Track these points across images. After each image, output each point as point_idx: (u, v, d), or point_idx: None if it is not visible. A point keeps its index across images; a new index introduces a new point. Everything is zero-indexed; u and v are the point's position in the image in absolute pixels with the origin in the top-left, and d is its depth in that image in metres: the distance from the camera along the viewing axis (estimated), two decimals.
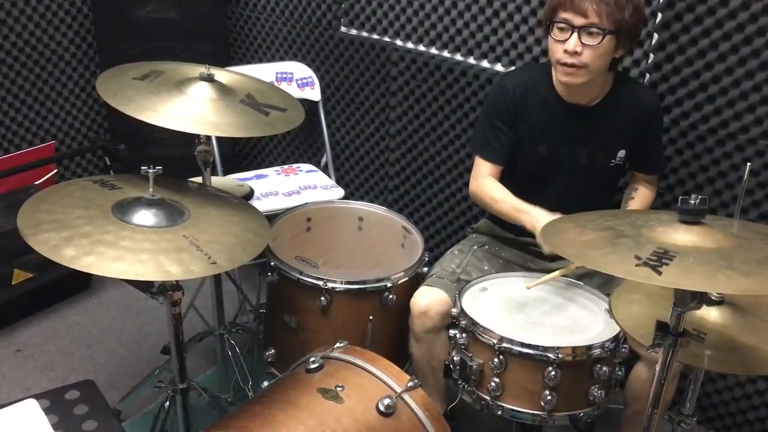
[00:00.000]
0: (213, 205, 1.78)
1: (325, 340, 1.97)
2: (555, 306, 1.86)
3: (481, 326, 1.71)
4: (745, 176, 1.32)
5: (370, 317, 1.96)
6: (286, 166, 3.10)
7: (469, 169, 2.67)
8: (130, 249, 1.50)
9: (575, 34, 1.80)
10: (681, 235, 1.13)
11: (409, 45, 2.79)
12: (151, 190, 1.65)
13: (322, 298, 1.94)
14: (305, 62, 3.08)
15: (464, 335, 1.75)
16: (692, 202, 1.14)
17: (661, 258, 1.05)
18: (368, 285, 1.96)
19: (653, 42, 2.17)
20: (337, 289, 1.94)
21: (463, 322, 1.75)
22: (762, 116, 2.02)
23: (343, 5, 2.95)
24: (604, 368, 1.67)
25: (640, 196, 2.08)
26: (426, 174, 2.88)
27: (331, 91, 3.09)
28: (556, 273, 1.87)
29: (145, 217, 1.61)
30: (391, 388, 1.64)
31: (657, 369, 1.23)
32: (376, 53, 2.86)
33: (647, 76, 2.21)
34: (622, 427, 2.02)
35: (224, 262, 1.57)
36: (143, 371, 2.40)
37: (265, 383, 1.79)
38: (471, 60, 2.62)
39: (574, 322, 1.78)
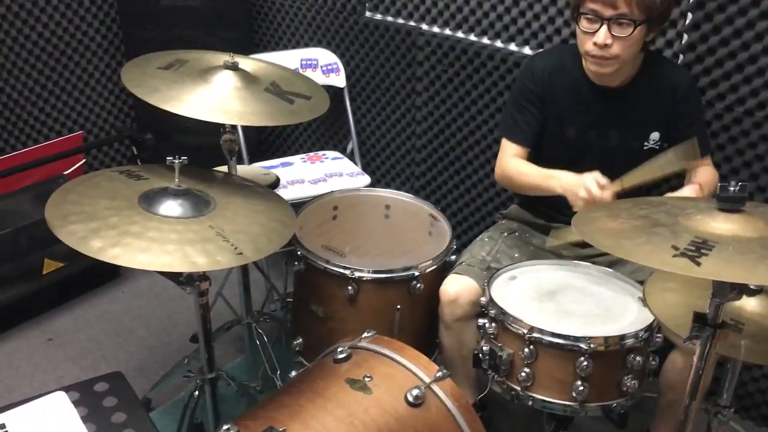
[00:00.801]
0: (239, 194, 1.77)
1: (353, 329, 1.95)
2: (586, 294, 1.82)
3: (511, 315, 1.68)
4: None
5: (398, 306, 1.94)
6: (311, 154, 3.09)
7: (496, 155, 2.64)
8: (156, 240, 1.50)
9: (605, 26, 1.75)
10: (720, 224, 1.09)
11: (435, 29, 2.75)
12: (177, 180, 1.65)
13: (350, 288, 1.92)
14: (330, 48, 3.05)
15: (493, 325, 1.72)
16: (732, 189, 1.10)
17: (699, 248, 1.01)
18: (395, 274, 1.94)
19: (687, 22, 2.10)
20: (365, 278, 1.93)
21: (492, 312, 1.72)
22: None
23: None
24: (638, 358, 1.63)
25: (702, 174, 1.95)
26: (453, 160, 2.84)
27: (356, 77, 3.06)
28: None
29: (171, 207, 1.61)
30: (420, 378, 1.62)
31: (695, 360, 1.19)
32: (402, 38, 2.82)
33: (681, 56, 2.15)
34: (656, 416, 1.98)
35: (250, 253, 1.56)
36: (173, 359, 2.41)
37: (293, 373, 1.78)
38: (498, 43, 2.57)
39: (606, 311, 1.75)
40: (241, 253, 1.54)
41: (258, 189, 1.87)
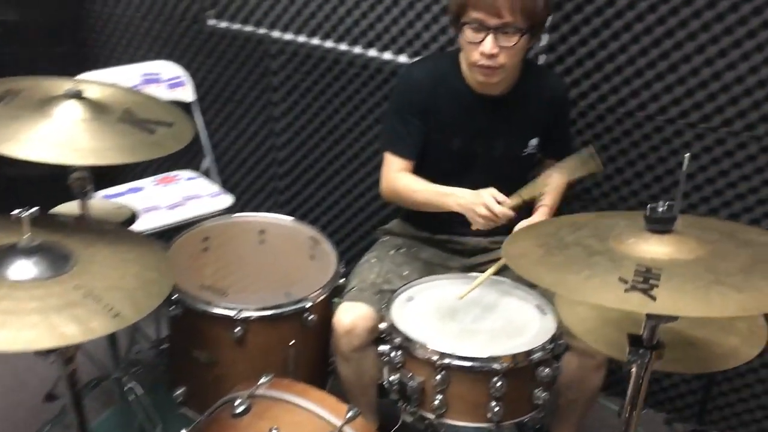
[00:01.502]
0: (102, 242, 1.55)
1: (242, 372, 1.81)
2: (485, 308, 1.79)
3: (417, 342, 1.60)
4: (684, 166, 1.30)
5: (291, 342, 1.80)
6: (162, 175, 2.84)
7: (377, 167, 2.56)
8: (12, 312, 1.26)
9: (490, 36, 1.71)
10: (654, 247, 1.07)
11: (288, 36, 2.61)
12: (27, 234, 1.40)
13: (237, 329, 1.76)
14: (174, 60, 2.82)
15: (399, 353, 1.64)
16: (660, 209, 1.08)
17: (647, 278, 0.98)
18: (286, 309, 1.80)
19: (546, 23, 2.12)
20: (252, 318, 1.77)
21: (397, 339, 1.64)
22: (688, 101, 2.03)
23: None
24: (546, 370, 1.62)
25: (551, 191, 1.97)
26: (318, 171, 2.73)
27: (205, 89, 2.85)
28: (487, 275, 1.79)
29: (24, 268, 1.36)
30: (330, 423, 1.50)
31: (631, 382, 1.17)
32: (253, 46, 2.66)
33: (542, 57, 2.17)
34: (555, 416, 2.00)
35: (129, 312, 1.35)
36: (29, 424, 2.11)
37: (184, 431, 1.60)
38: (357, 50, 2.48)
39: (509, 323, 1.72)
40: (119, 314, 1.34)
41: (123, 232, 1.66)
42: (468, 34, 1.75)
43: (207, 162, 2.86)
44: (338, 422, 1.50)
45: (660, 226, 1.10)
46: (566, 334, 1.68)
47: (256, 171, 2.90)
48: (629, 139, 2.13)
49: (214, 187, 2.72)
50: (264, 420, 1.52)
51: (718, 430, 2.32)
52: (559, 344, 1.66)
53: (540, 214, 1.90)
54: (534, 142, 1.95)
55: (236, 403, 1.54)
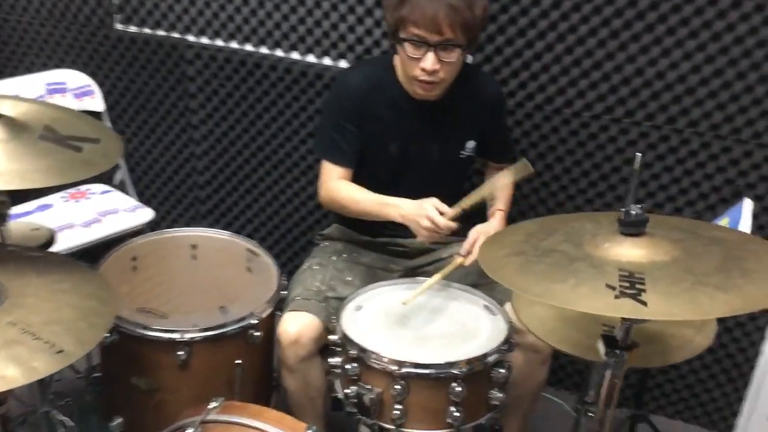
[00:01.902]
0: (30, 270, 1.44)
1: (187, 397, 1.74)
2: (434, 311, 1.78)
3: (374, 353, 1.57)
4: (636, 166, 1.33)
5: (238, 361, 1.73)
6: (73, 190, 2.66)
7: (304, 172, 2.51)
8: None
9: (431, 52, 1.70)
10: (630, 250, 1.09)
11: (205, 40, 2.51)
12: None
13: (180, 353, 1.67)
14: (80, 68, 2.65)
15: (354, 365, 1.60)
16: (633, 213, 1.10)
17: (632, 283, 0.99)
18: (231, 327, 1.73)
19: None
20: (196, 339, 1.69)
21: (352, 351, 1.60)
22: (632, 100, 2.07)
23: None
24: (501, 370, 1.62)
25: (502, 193, 1.98)
26: (243, 179, 2.64)
27: (115, 98, 2.70)
28: (432, 281, 1.78)
29: None
30: None
31: (605, 382, 1.18)
32: (167, 52, 2.54)
33: (470, 57, 2.18)
34: (503, 413, 2.01)
35: (73, 347, 1.26)
36: None
37: None
38: (279, 53, 2.42)
39: (462, 326, 1.72)
40: (61, 351, 1.24)
41: (51, 258, 1.54)
42: (408, 49, 1.73)
43: (121, 174, 2.71)
44: None
45: (634, 229, 1.12)
46: (514, 331, 1.70)
47: (174, 181, 2.78)
48: (557, 135, 2.18)
49: (131, 201, 2.59)
50: None
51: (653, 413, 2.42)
52: (511, 343, 1.68)
53: (497, 219, 1.91)
54: (471, 144, 1.96)
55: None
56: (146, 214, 2.49)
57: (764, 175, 2.02)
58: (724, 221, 1.66)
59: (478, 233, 1.82)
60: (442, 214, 1.68)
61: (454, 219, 1.70)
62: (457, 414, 1.57)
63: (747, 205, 1.60)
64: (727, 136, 2.01)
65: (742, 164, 2.03)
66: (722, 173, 2.05)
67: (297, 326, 1.76)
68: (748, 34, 1.89)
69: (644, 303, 0.96)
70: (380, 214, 1.81)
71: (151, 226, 2.46)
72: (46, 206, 2.52)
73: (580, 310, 1.02)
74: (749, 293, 0.98)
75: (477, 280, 1.94)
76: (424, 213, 1.69)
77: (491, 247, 1.24)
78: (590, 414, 1.58)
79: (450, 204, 1.73)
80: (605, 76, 2.07)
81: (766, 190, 2.03)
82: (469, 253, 1.80)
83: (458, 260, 1.80)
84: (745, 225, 1.56)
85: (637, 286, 0.99)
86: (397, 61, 1.86)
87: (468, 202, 1.72)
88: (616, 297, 0.99)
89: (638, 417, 2.09)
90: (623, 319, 1.11)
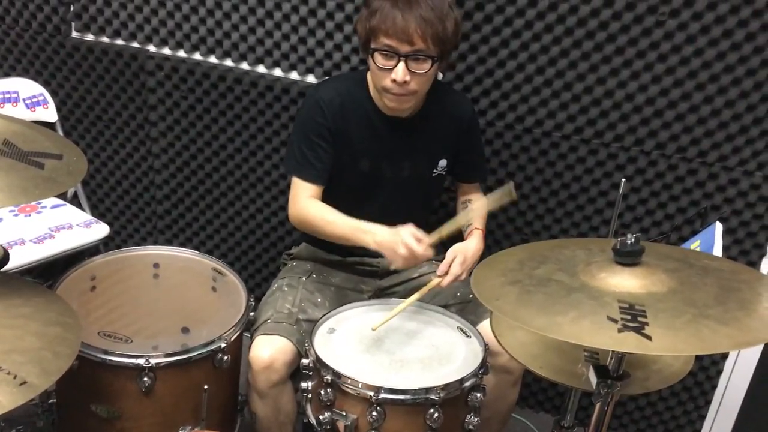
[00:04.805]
0: None
1: (150, 424, 1.67)
2: (408, 335, 1.74)
3: (349, 378, 1.53)
4: (620, 191, 1.32)
5: (205, 387, 1.66)
6: (21, 204, 2.55)
7: (268, 188, 2.45)
8: None
9: (402, 63, 1.67)
10: (627, 280, 1.08)
11: (167, 51, 2.43)
12: None
13: (145, 379, 1.60)
14: (32, 77, 2.54)
15: (329, 390, 1.56)
16: (628, 242, 1.09)
17: (634, 316, 0.97)
18: (198, 352, 1.66)
19: None
20: (162, 365, 1.62)
21: (327, 377, 1.55)
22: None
23: (72, 6, 2.47)
24: (477, 395, 1.60)
25: (477, 212, 1.94)
26: (204, 194, 2.57)
27: (69, 108, 2.60)
28: (407, 303, 1.75)
29: None
30: None
31: (596, 411, 1.17)
32: (126, 62, 2.45)
33: (440, 75, 2.17)
34: None
35: (37, 378, 1.19)
36: None
37: None
38: (245, 66, 2.37)
39: (437, 350, 1.69)
40: (25, 383, 1.17)
41: (9, 280, 1.45)
42: (379, 59, 1.70)
43: (73, 187, 2.60)
44: None
45: (630, 259, 1.11)
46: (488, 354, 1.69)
47: (131, 195, 2.68)
48: (527, 155, 2.18)
49: (85, 216, 2.48)
50: None
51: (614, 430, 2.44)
52: (487, 367, 1.66)
53: (475, 238, 1.87)
54: (443, 163, 1.94)
55: None
56: (102, 229, 2.39)
57: (750, 203, 2.04)
58: (695, 244, 1.68)
59: (456, 253, 1.78)
60: (419, 241, 1.65)
61: (431, 246, 1.67)
62: None
63: (719, 229, 1.62)
64: (714, 162, 2.03)
65: (729, 191, 2.05)
66: (708, 199, 2.07)
67: (270, 350, 1.71)
68: (738, 63, 1.92)
69: (649, 337, 0.95)
70: (354, 239, 1.76)
71: (105, 242, 2.37)
72: None
73: (585, 345, 1.00)
74: (751, 326, 0.97)
75: (448, 300, 1.92)
76: (400, 240, 1.64)
77: (485, 274, 1.21)
78: None
79: (421, 224, 1.71)
80: (595, 101, 2.07)
81: (752, 216, 2.05)
82: (446, 273, 1.77)
83: (435, 281, 1.76)
84: (718, 248, 1.58)
85: (639, 318, 0.98)
86: (369, 77, 1.84)
87: (446, 230, 1.69)
88: (620, 331, 0.97)
89: None
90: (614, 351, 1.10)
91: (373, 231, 1.72)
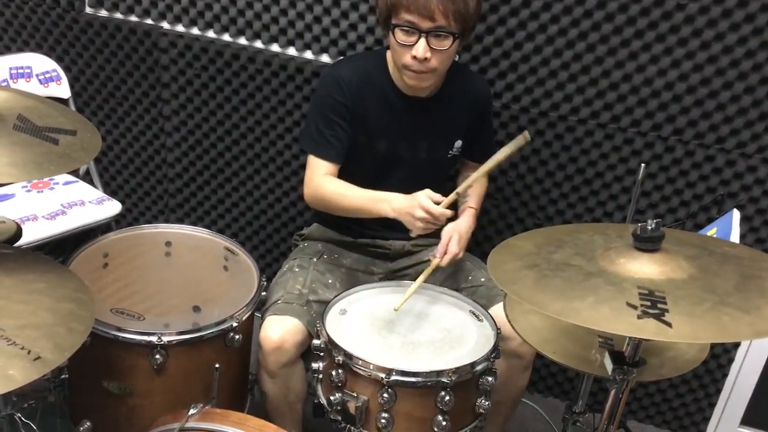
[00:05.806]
0: (1, 271, 1.35)
1: (161, 402, 1.67)
2: (420, 317, 1.74)
3: (360, 359, 1.53)
4: (639, 176, 1.30)
5: (216, 365, 1.67)
6: (35, 180, 2.55)
7: (280, 167, 2.44)
8: None
9: (423, 39, 1.65)
10: (647, 266, 1.06)
11: (180, 28, 2.42)
12: None
13: (157, 356, 1.60)
14: (46, 53, 2.53)
15: (340, 371, 1.56)
16: (649, 228, 1.08)
17: (654, 302, 0.96)
18: (210, 330, 1.66)
19: None
20: (174, 342, 1.62)
21: (338, 358, 1.55)
22: (650, 110, 2.05)
23: None
24: (489, 378, 1.60)
25: (474, 191, 1.96)
26: (216, 173, 2.56)
27: (83, 84, 2.59)
28: (419, 282, 1.74)
29: None
30: None
31: (610, 398, 1.16)
32: (139, 39, 2.44)
33: (457, 57, 2.14)
34: None
35: (51, 354, 1.19)
36: None
37: None
38: (258, 44, 2.35)
39: (448, 333, 1.68)
40: (39, 357, 1.17)
41: (24, 256, 1.45)
42: (400, 35, 1.68)
43: (86, 164, 2.60)
44: None
45: (650, 244, 1.09)
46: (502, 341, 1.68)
47: (143, 173, 2.68)
48: (542, 138, 2.16)
49: (97, 193, 2.48)
50: None
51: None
52: (499, 351, 1.65)
53: (468, 216, 1.87)
54: (458, 144, 1.93)
55: None
56: (114, 207, 2.39)
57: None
58: (711, 231, 1.66)
59: (451, 233, 1.78)
60: (436, 203, 1.64)
61: (448, 206, 1.66)
62: (444, 423, 1.53)
63: (736, 216, 1.60)
64: (732, 149, 2.01)
65: (746, 178, 2.03)
66: (725, 186, 2.05)
67: (280, 331, 1.71)
68: (760, 48, 1.89)
69: (669, 324, 0.94)
70: (371, 209, 1.75)
71: (117, 220, 2.38)
72: (7, 196, 2.40)
73: (604, 331, 0.99)
74: None
75: (460, 284, 1.92)
76: (417, 203, 1.64)
77: (502, 258, 1.20)
78: (578, 424, 1.56)
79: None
80: (613, 85, 2.05)
81: None
82: (444, 253, 1.76)
83: (435, 261, 1.76)
84: (735, 235, 1.56)
85: (659, 305, 0.97)
86: (389, 56, 1.82)
87: (464, 186, 1.69)
88: (639, 317, 0.96)
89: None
90: (630, 337, 1.09)
91: (390, 199, 1.72)
